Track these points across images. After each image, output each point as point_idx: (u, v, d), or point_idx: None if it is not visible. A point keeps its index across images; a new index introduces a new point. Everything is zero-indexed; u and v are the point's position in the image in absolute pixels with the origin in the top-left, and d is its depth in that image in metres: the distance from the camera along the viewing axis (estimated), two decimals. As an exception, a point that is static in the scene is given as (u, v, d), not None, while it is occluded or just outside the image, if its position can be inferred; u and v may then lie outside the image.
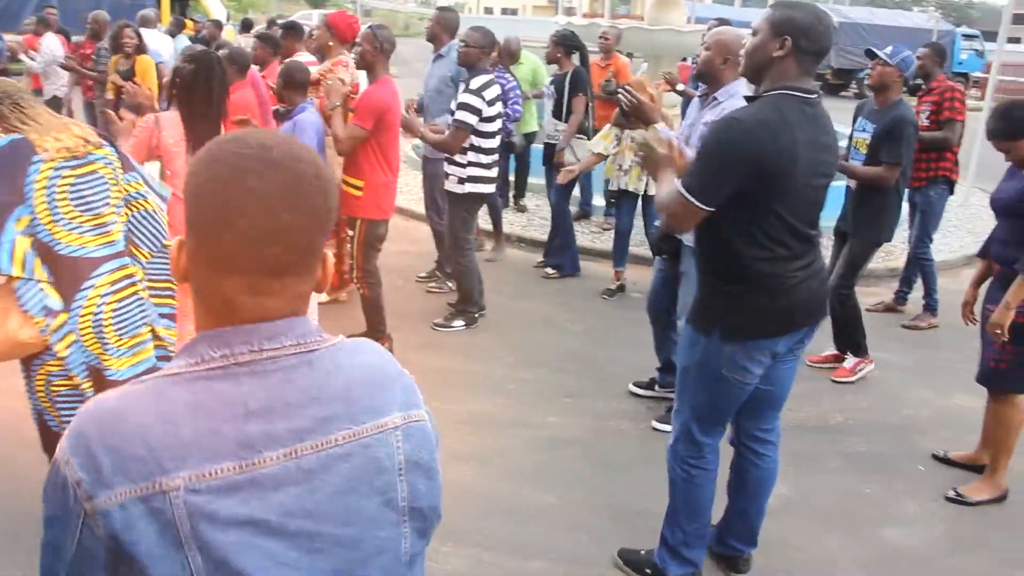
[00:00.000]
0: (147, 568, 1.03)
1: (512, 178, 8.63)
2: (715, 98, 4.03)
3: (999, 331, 3.72)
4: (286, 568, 1.08)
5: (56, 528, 1.09)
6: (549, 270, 6.91)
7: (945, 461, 4.39)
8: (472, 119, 5.21)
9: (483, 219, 7.46)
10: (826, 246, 7.73)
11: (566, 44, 7.09)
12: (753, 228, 2.77)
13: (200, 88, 3.90)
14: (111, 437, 1.04)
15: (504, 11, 59.64)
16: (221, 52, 5.26)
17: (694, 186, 2.75)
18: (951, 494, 4.07)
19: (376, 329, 5.06)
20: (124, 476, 1.02)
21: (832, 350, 5.51)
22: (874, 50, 5.07)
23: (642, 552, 3.38)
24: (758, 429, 3.23)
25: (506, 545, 3.49)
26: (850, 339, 5.36)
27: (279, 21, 7.33)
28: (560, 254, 6.89)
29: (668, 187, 2.89)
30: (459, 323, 5.64)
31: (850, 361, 5.37)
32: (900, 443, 4.59)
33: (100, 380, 3.00)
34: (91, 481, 1.03)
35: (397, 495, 1.18)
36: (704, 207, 2.74)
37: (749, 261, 2.81)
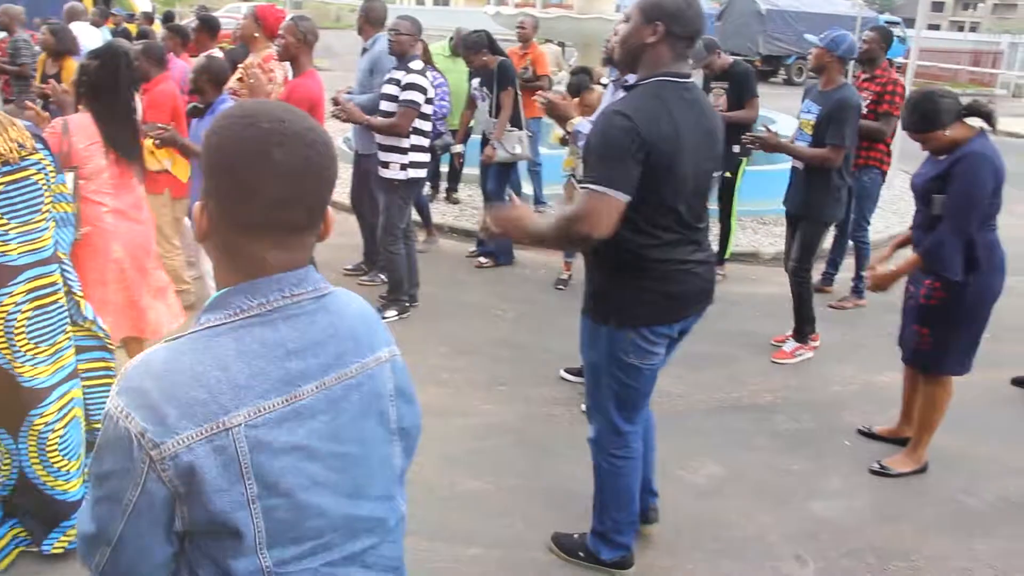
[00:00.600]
0: (210, 502, 1.19)
1: (445, 169, 8.61)
2: (627, 80, 4.08)
3: (874, 284, 3.98)
4: (319, 487, 1.28)
5: (115, 479, 1.21)
6: (483, 259, 6.92)
7: (870, 435, 4.51)
8: (420, 98, 5.22)
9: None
10: (778, 233, 7.96)
11: (483, 46, 7.00)
12: (639, 216, 2.78)
13: (106, 84, 3.78)
14: (171, 387, 1.18)
15: (436, 1, 59.32)
16: (137, 45, 5.17)
17: (606, 178, 2.72)
18: (875, 467, 4.19)
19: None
20: (190, 420, 1.17)
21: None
22: (811, 37, 5.19)
23: (575, 536, 3.42)
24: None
25: (441, 532, 3.50)
26: (799, 321, 5.47)
27: (200, 15, 7.17)
28: (495, 243, 6.91)
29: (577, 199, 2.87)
30: (391, 313, 5.63)
31: (790, 345, 5.48)
32: (827, 420, 4.71)
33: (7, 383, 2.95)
34: (156, 431, 1.17)
35: (390, 418, 1.41)
36: (623, 196, 2.71)
37: (638, 249, 2.84)
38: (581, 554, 3.35)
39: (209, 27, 6.74)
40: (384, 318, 5.55)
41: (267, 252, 1.27)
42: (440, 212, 8.12)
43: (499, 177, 6.77)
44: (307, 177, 1.25)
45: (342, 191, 8.35)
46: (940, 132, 3.80)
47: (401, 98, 5.24)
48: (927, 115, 3.81)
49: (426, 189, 8.36)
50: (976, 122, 3.90)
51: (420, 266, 6.00)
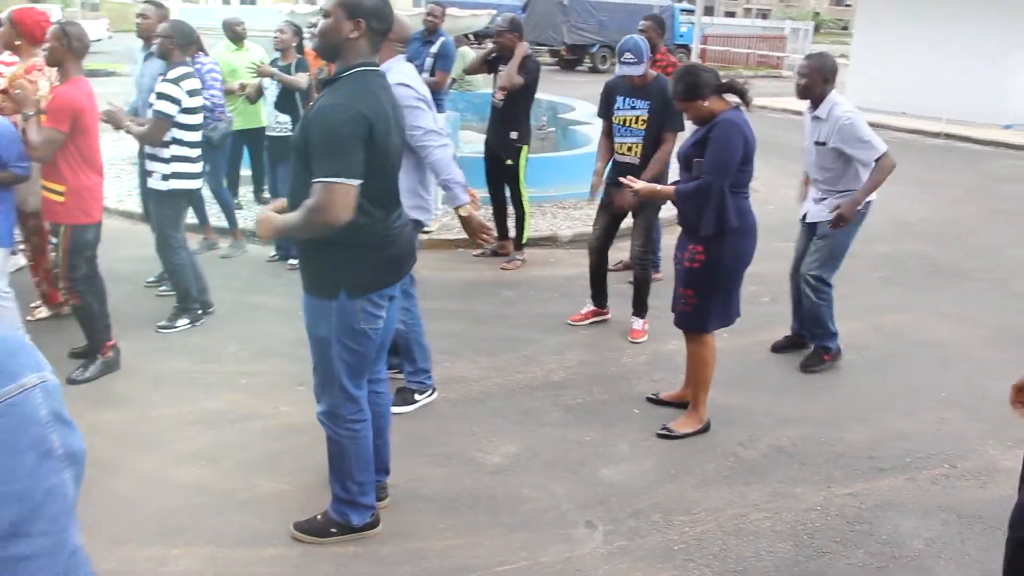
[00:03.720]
0: None
1: (249, 172, 8.44)
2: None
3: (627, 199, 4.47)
4: None
5: None
6: (292, 261, 6.84)
7: (657, 402, 4.78)
8: (171, 108, 5.09)
9: (220, 217, 7.33)
10: (576, 217, 8.19)
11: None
12: (363, 193, 2.96)
13: None
14: None
15: (243, 0, 57.56)
16: None
17: (337, 169, 2.87)
18: (661, 431, 4.45)
19: (96, 340, 4.84)
20: None
21: (590, 307, 5.94)
22: (626, 72, 5.36)
23: (317, 517, 3.50)
24: (374, 371, 3.50)
25: (241, 537, 3.49)
26: (642, 303, 5.75)
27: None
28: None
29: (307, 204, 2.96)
30: (183, 322, 5.50)
31: (639, 322, 5.76)
32: (618, 390, 4.95)
33: None
34: None
35: (53, 446, 1.27)
36: (355, 181, 2.90)
37: (363, 222, 3.01)
38: (334, 530, 3.45)
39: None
40: (175, 327, 5.44)
41: None
42: (242, 216, 7.96)
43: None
44: None
45: (138, 201, 8.11)
46: (700, 102, 4.14)
47: (154, 107, 5.13)
48: (689, 86, 4.14)
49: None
50: (733, 98, 4.24)
51: (219, 272, 5.87)
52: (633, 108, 5.47)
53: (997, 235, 9.28)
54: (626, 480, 4.04)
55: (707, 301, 4.27)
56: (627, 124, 5.51)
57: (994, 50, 17.57)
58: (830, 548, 3.59)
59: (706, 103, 4.14)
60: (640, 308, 5.77)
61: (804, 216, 5.33)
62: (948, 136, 16.23)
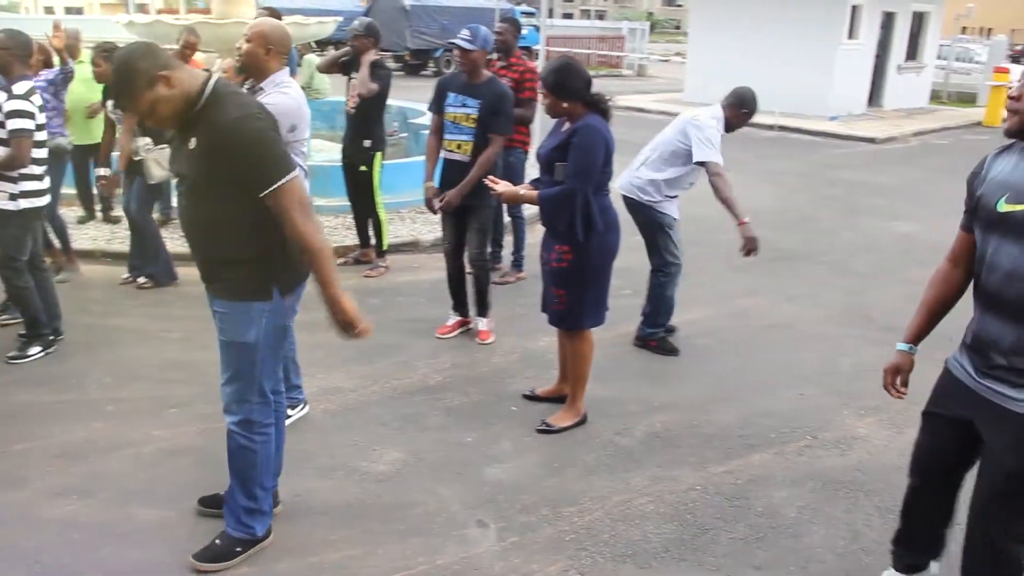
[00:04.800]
0: None
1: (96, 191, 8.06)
2: (262, 88, 4.15)
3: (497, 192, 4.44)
4: None
5: None
6: (142, 280, 6.59)
7: (533, 398, 4.87)
8: (29, 124, 4.81)
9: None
10: (436, 221, 8.17)
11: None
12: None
13: None
14: None
15: (68, 10, 54.79)
16: None
17: (282, 167, 2.94)
18: (540, 426, 4.54)
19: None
20: None
21: (456, 319, 5.89)
22: (457, 42, 5.29)
23: (216, 542, 3.40)
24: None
25: (122, 570, 3.35)
26: (483, 303, 5.76)
27: None
28: (153, 263, 6.60)
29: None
30: (35, 350, 5.20)
31: (483, 323, 5.76)
32: (494, 390, 5.02)
33: None
34: None
35: None
36: (295, 171, 3.01)
37: (275, 224, 3.03)
38: (238, 549, 3.38)
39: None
40: (28, 357, 5.16)
41: None
42: (91, 237, 7.62)
43: (145, 197, 6.44)
44: None
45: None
46: (563, 102, 4.20)
47: (9, 127, 4.81)
48: (560, 83, 4.18)
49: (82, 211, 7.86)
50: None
51: (73, 296, 5.59)
52: (464, 106, 5.39)
53: (831, 220, 9.87)
54: (512, 477, 4.10)
55: (579, 298, 4.37)
56: (457, 121, 5.42)
57: (818, 49, 18.70)
58: (713, 524, 3.76)
59: (566, 105, 4.22)
60: (483, 308, 5.78)
61: None
62: (782, 128, 17.10)
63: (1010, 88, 2.64)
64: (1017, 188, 2.53)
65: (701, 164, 5.25)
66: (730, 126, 5.46)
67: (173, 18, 11.42)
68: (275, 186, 2.90)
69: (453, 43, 5.36)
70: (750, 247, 5.17)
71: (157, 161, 6.15)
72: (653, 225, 5.48)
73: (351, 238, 7.50)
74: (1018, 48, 37.64)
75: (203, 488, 3.80)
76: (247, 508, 3.39)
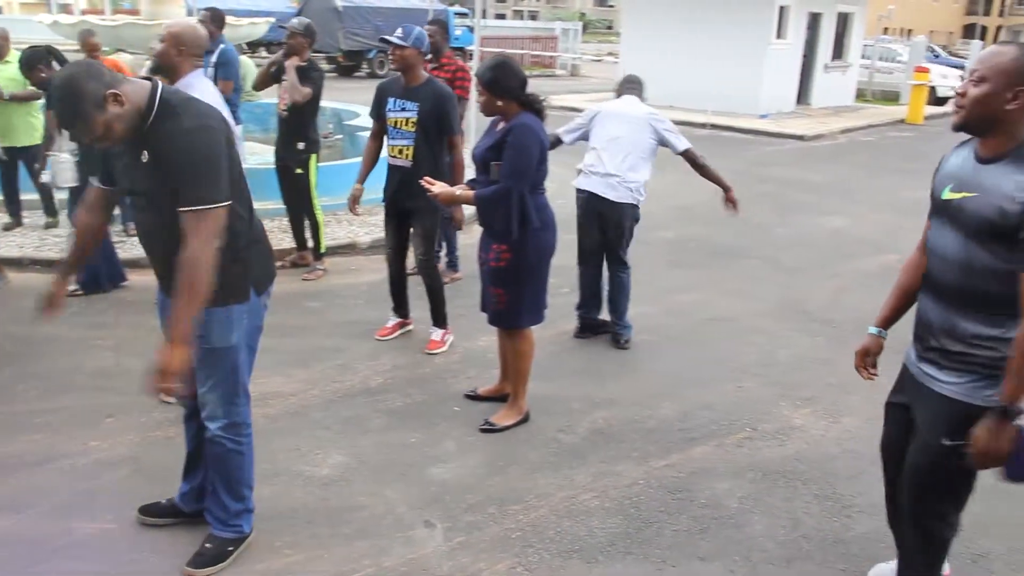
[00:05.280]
0: None
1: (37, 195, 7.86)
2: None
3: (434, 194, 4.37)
4: None
5: None
6: (72, 287, 6.43)
7: (476, 398, 4.88)
8: None
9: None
10: (372, 223, 8.15)
11: (40, 60, 6.46)
12: (235, 201, 2.97)
13: None
14: None
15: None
16: None
17: (216, 193, 2.83)
18: (483, 426, 4.55)
19: None
20: None
21: (395, 320, 5.82)
22: (390, 38, 5.23)
23: (207, 546, 3.38)
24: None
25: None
26: (439, 312, 5.66)
27: None
28: (83, 273, 6.44)
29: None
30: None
31: (438, 333, 5.67)
32: (436, 390, 5.01)
33: None
34: None
35: None
36: (227, 200, 2.88)
37: (244, 226, 3.07)
38: (231, 548, 3.39)
39: None
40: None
41: None
42: (18, 244, 7.41)
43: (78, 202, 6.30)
44: None
45: None
46: (498, 100, 4.22)
47: None
48: (496, 80, 4.20)
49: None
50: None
51: (2, 303, 5.42)
52: (403, 110, 5.33)
53: (764, 215, 10.05)
54: (457, 477, 4.10)
55: (518, 297, 4.39)
56: (398, 126, 5.36)
57: (748, 49, 19.03)
58: (656, 518, 3.80)
59: (501, 103, 4.23)
60: (438, 318, 5.69)
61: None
62: (714, 127, 17.37)
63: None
64: (960, 178, 2.67)
65: (683, 153, 5.64)
66: None
67: (99, 18, 11.21)
68: (201, 207, 2.78)
69: (386, 39, 5.30)
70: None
71: (64, 165, 6.08)
72: (633, 222, 5.71)
73: (287, 241, 7.42)
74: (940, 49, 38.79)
75: (143, 498, 3.72)
76: (236, 510, 3.39)
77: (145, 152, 2.83)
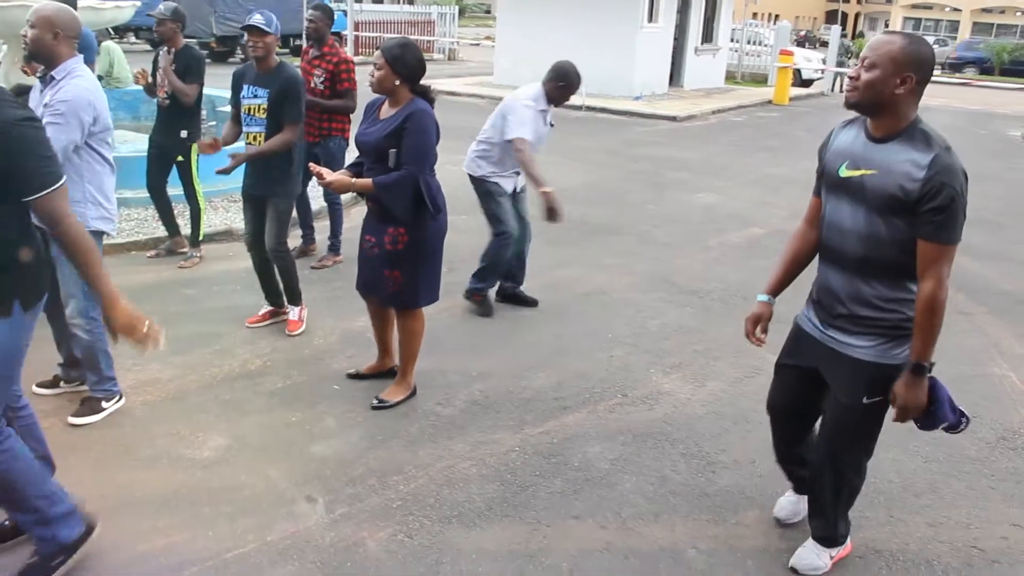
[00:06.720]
0: None
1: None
2: (53, 76, 3.93)
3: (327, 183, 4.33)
4: None
5: None
6: None
7: (358, 376, 4.95)
8: None
9: None
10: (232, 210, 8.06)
11: None
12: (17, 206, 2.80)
13: None
14: None
15: None
16: None
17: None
18: (374, 402, 4.62)
19: None
20: None
21: (267, 308, 5.79)
22: (256, 25, 5.17)
23: (34, 560, 3.16)
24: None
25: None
26: (292, 291, 5.67)
27: None
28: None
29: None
30: None
31: (294, 312, 5.69)
32: (316, 371, 5.06)
33: None
34: None
35: None
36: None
37: (21, 233, 2.88)
38: (58, 560, 3.16)
39: None
40: None
41: None
42: None
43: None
44: None
45: None
46: (397, 81, 4.25)
47: None
48: (399, 60, 4.22)
49: None
50: None
51: None
52: (255, 96, 5.28)
53: (638, 193, 10.39)
54: (337, 452, 4.18)
55: (415, 278, 4.48)
56: (251, 113, 5.32)
57: (620, 32, 19.46)
58: (532, 481, 3.97)
59: (398, 82, 4.26)
60: (292, 297, 5.69)
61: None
62: (589, 108, 17.69)
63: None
64: (855, 156, 2.92)
65: (509, 141, 5.65)
66: (551, 99, 5.89)
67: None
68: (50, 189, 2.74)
69: (250, 25, 5.18)
70: (552, 214, 5.70)
71: None
72: (486, 195, 6.01)
73: (162, 230, 7.29)
74: (802, 34, 40.41)
75: None
76: (36, 520, 3.12)
77: None
